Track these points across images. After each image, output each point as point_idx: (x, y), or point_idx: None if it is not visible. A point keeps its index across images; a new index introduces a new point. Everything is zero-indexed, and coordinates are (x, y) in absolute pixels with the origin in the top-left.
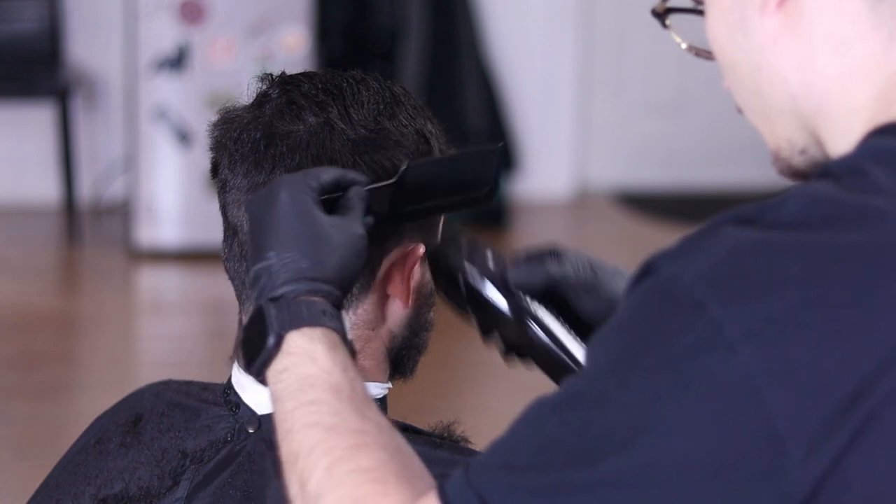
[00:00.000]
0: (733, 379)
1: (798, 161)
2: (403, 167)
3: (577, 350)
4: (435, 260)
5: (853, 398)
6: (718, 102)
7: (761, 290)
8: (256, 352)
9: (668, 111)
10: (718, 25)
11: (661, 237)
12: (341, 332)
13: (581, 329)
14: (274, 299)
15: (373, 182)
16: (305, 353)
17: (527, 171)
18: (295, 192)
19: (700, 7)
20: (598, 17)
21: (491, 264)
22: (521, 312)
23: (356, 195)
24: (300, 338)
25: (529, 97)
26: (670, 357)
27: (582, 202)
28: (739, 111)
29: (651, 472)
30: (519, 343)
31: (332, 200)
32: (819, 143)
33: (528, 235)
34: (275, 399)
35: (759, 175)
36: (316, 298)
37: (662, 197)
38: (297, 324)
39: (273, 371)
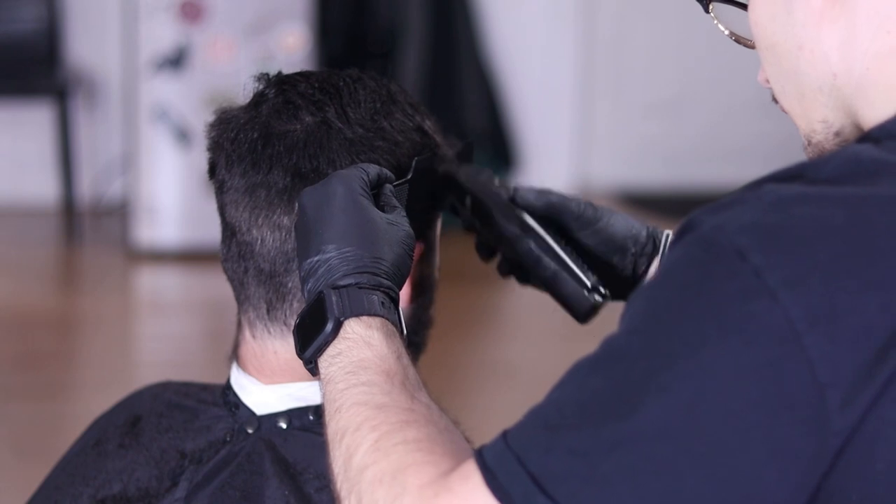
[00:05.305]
0: (776, 325)
1: (831, 145)
2: (414, 162)
3: (578, 268)
4: (447, 178)
5: (888, 347)
6: (718, 102)
7: (804, 239)
8: (312, 337)
9: (669, 111)
10: (762, 5)
11: None
12: (398, 325)
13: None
14: (335, 288)
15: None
16: (362, 339)
17: (527, 171)
18: (350, 185)
19: None
20: (599, 16)
21: (497, 187)
22: (525, 229)
23: (391, 193)
24: (358, 325)
25: (529, 97)
26: (714, 303)
27: None
28: (775, 100)
29: (692, 418)
30: (520, 263)
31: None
32: (855, 124)
33: None
34: (325, 381)
35: (758, 174)
36: (377, 292)
37: (663, 196)
38: (357, 312)
39: (326, 355)
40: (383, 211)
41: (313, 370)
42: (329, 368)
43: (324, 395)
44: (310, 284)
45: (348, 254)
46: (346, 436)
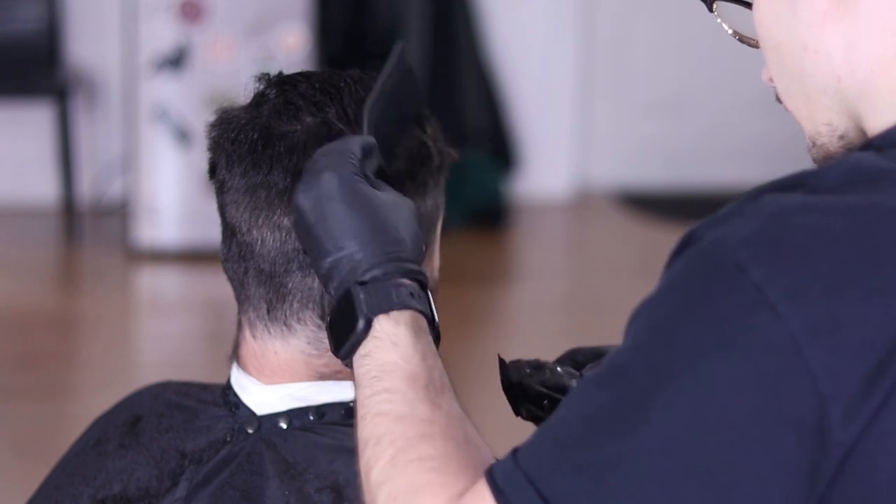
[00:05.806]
0: (777, 339)
1: (836, 147)
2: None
3: None
4: (511, 387)
5: (891, 354)
6: (719, 102)
7: (806, 249)
8: (344, 337)
9: (669, 111)
10: (766, 5)
11: (662, 237)
12: (429, 315)
13: None
14: (363, 283)
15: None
16: (389, 338)
17: (527, 171)
18: (342, 174)
19: None
20: (599, 16)
21: (566, 380)
22: None
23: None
24: (387, 322)
25: (529, 97)
26: (714, 317)
27: (582, 202)
28: (779, 100)
29: (693, 431)
30: None
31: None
32: (859, 127)
33: (528, 236)
34: (356, 383)
35: (759, 175)
36: (405, 280)
37: (663, 197)
38: (385, 307)
39: (358, 355)
40: (375, 187)
41: (350, 366)
42: (359, 370)
43: (355, 396)
44: (335, 282)
45: (369, 245)
46: (368, 447)
